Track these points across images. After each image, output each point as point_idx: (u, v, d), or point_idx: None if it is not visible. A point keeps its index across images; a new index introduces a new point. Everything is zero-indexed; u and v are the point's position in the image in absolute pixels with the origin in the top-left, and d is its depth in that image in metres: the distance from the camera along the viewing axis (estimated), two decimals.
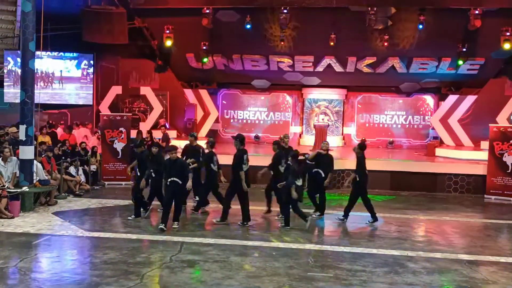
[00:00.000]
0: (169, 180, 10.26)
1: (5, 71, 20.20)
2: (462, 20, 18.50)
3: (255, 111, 24.01)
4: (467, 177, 16.60)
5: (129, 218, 11.27)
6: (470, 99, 21.19)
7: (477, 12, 18.01)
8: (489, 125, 16.46)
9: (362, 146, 12.10)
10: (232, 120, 24.09)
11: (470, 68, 20.79)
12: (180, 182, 10.25)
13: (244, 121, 24.04)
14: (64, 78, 20.56)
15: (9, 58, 20.13)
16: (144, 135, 17.97)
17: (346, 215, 11.79)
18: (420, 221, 12.51)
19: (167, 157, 10.80)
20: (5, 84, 20.17)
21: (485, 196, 15.89)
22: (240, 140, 11.16)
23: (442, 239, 10.70)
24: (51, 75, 20.39)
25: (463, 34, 19.21)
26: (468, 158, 18.36)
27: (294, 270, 8.11)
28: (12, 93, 19.71)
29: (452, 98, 21.49)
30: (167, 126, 20.97)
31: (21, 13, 12.34)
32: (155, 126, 20.79)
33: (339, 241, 10.10)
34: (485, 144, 17.73)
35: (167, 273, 7.78)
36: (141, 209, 11.50)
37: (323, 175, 11.86)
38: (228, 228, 10.77)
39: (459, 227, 11.89)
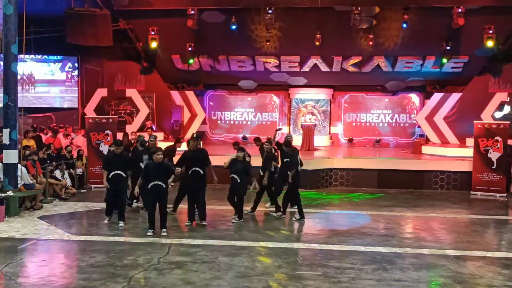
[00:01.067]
0: (152, 183, 10.03)
1: None
2: (445, 18, 18.63)
3: (242, 112, 24.01)
4: (453, 174, 16.75)
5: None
6: (455, 97, 21.37)
7: (460, 10, 18.15)
8: (474, 122, 16.59)
9: (287, 143, 12.08)
10: (219, 121, 24.06)
11: (454, 66, 20.96)
12: (164, 185, 10.12)
13: (232, 122, 24.03)
14: (37, 81, 20.33)
15: None
16: (131, 137, 17.81)
17: (301, 214, 11.91)
18: (407, 218, 12.57)
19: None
20: None
21: (471, 192, 16.00)
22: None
23: (429, 235, 10.75)
24: (26, 78, 20.07)
25: (447, 33, 19.36)
26: (454, 155, 18.53)
27: (283, 269, 8.10)
28: None
29: (437, 96, 21.66)
30: (154, 128, 20.88)
31: (2, 16, 12.19)
32: (142, 128, 20.68)
33: (327, 239, 10.09)
34: (470, 141, 17.89)
35: (155, 275, 7.72)
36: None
37: (238, 180, 11.39)
38: (216, 229, 10.73)
39: (446, 223, 11.96)
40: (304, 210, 12.94)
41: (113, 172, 10.91)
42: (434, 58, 20.57)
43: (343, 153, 20.41)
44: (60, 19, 18.91)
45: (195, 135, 11.33)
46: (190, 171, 10.85)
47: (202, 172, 10.89)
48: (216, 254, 8.82)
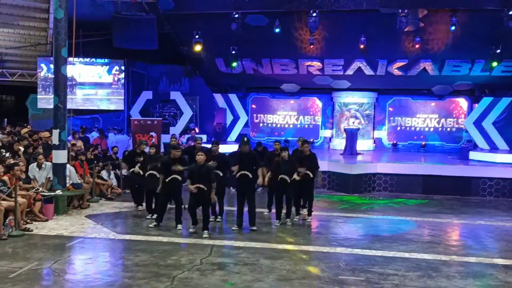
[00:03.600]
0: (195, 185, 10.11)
1: (39, 77, 20.60)
2: (495, 21, 18.09)
3: (284, 115, 23.99)
4: (502, 180, 16.26)
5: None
6: (505, 101, 20.75)
7: (510, 13, 17.61)
8: None
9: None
10: (261, 124, 24.10)
11: (505, 70, 20.34)
12: (205, 188, 10.16)
13: (274, 125, 24.04)
14: (85, 83, 20.80)
15: (42, 65, 20.52)
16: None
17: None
18: (453, 225, 12.27)
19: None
20: (38, 90, 20.57)
21: None
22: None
23: (477, 243, 10.47)
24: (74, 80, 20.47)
25: (497, 36, 18.79)
26: (503, 162, 17.97)
27: (324, 274, 8.03)
28: (46, 98, 20.09)
29: (486, 101, 21.07)
30: (197, 131, 21.08)
31: (53, 20, 12.56)
32: (185, 130, 20.92)
33: (370, 244, 9.95)
34: None
35: (198, 276, 7.79)
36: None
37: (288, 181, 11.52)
38: (258, 231, 10.72)
39: (494, 231, 11.60)
40: (346, 214, 12.91)
41: (170, 177, 10.67)
42: (484, 61, 20.03)
43: (387, 157, 20.11)
44: (107, 23, 19.36)
45: (245, 139, 11.24)
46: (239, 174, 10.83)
47: (251, 176, 10.86)
48: (257, 257, 8.83)
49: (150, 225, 11.00)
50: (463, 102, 22.71)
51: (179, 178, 10.73)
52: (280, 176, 11.17)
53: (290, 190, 11.34)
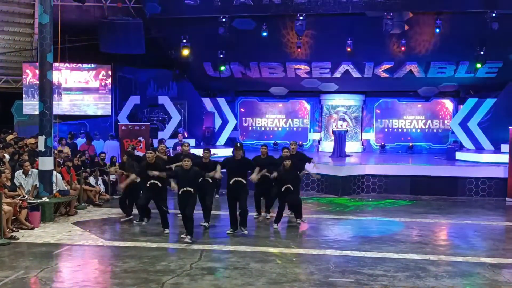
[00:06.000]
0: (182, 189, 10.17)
1: (24, 83, 20.44)
2: (479, 23, 18.27)
3: (273, 118, 24.05)
4: (488, 180, 16.43)
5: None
6: (489, 102, 20.93)
7: (494, 14, 17.80)
8: (509, 127, 16.24)
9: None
10: (250, 128, 24.13)
11: (489, 71, 20.56)
12: (192, 191, 10.23)
13: (263, 128, 24.08)
14: (71, 89, 20.65)
15: (27, 71, 20.37)
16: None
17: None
18: (441, 225, 12.36)
19: None
20: (24, 96, 20.41)
21: (507, 199, 15.67)
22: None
23: (464, 242, 10.56)
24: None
25: (480, 37, 18.97)
26: (488, 162, 18.15)
27: (314, 276, 8.05)
28: (31, 105, 19.93)
29: (471, 102, 21.25)
30: (186, 135, 21.03)
31: (38, 25, 12.49)
32: (174, 135, 20.85)
33: (359, 246, 9.99)
34: (505, 147, 17.50)
35: (188, 281, 7.76)
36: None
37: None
38: (248, 235, 10.72)
39: (481, 230, 11.70)
40: (336, 216, 12.96)
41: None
42: (468, 63, 20.22)
43: (375, 159, 20.22)
44: (93, 28, 19.27)
45: (238, 144, 11.30)
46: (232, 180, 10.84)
47: (244, 182, 10.85)
48: (247, 260, 8.83)
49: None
50: (448, 104, 22.91)
51: (158, 183, 10.86)
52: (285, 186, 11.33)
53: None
